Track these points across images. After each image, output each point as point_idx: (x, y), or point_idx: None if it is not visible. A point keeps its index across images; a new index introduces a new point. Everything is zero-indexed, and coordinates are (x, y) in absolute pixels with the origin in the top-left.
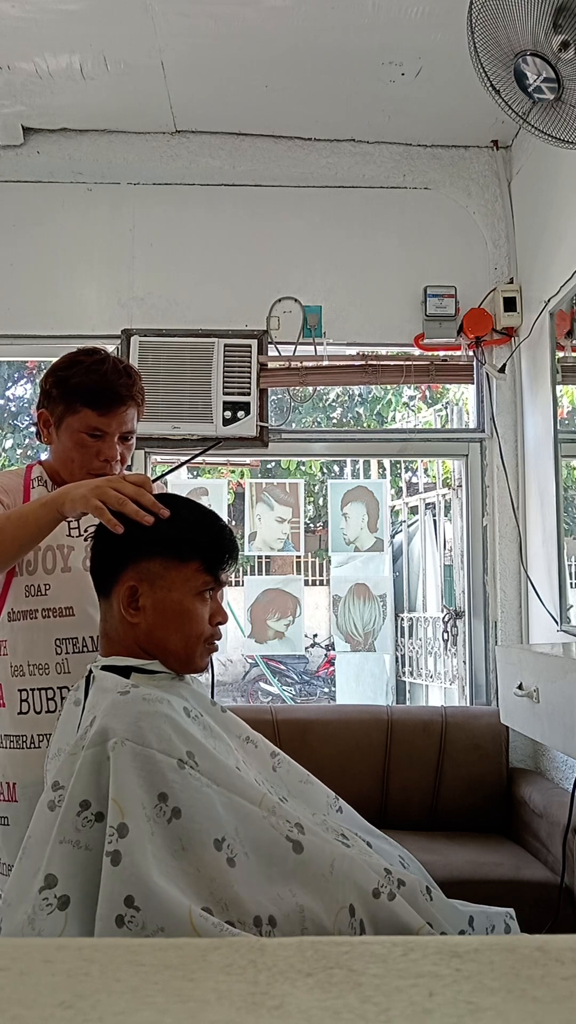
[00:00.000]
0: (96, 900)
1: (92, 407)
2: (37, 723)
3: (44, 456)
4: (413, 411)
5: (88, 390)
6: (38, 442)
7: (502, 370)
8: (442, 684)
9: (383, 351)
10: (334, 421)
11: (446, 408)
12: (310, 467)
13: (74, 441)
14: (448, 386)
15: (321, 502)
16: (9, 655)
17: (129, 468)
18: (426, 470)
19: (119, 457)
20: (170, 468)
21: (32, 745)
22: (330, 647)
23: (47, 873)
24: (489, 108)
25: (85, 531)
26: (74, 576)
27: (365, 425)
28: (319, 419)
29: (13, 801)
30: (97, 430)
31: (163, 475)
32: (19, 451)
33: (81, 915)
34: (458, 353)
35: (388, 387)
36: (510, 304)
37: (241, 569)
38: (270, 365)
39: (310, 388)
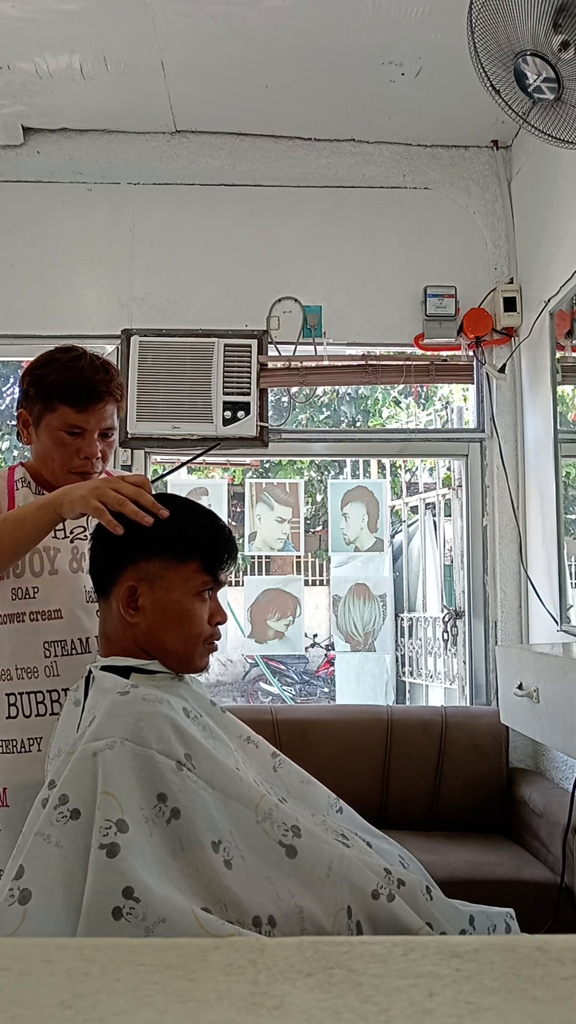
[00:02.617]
0: (60, 899)
1: (70, 404)
2: (26, 727)
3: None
4: (402, 409)
5: (65, 387)
6: (19, 443)
7: (502, 370)
8: (442, 684)
9: (381, 351)
10: (323, 417)
11: (446, 408)
12: (302, 464)
13: (54, 439)
14: (438, 385)
15: (320, 499)
16: None
17: (129, 468)
18: (420, 471)
19: (100, 454)
20: (170, 469)
21: (23, 749)
22: (330, 647)
23: (19, 864)
24: (489, 108)
25: (71, 532)
26: (62, 578)
27: (352, 424)
28: (313, 417)
29: (4, 806)
30: (76, 427)
31: (163, 475)
32: (16, 452)
33: (41, 911)
34: (458, 353)
35: (375, 387)
36: (510, 304)
37: (241, 569)
38: (270, 365)
39: (309, 388)
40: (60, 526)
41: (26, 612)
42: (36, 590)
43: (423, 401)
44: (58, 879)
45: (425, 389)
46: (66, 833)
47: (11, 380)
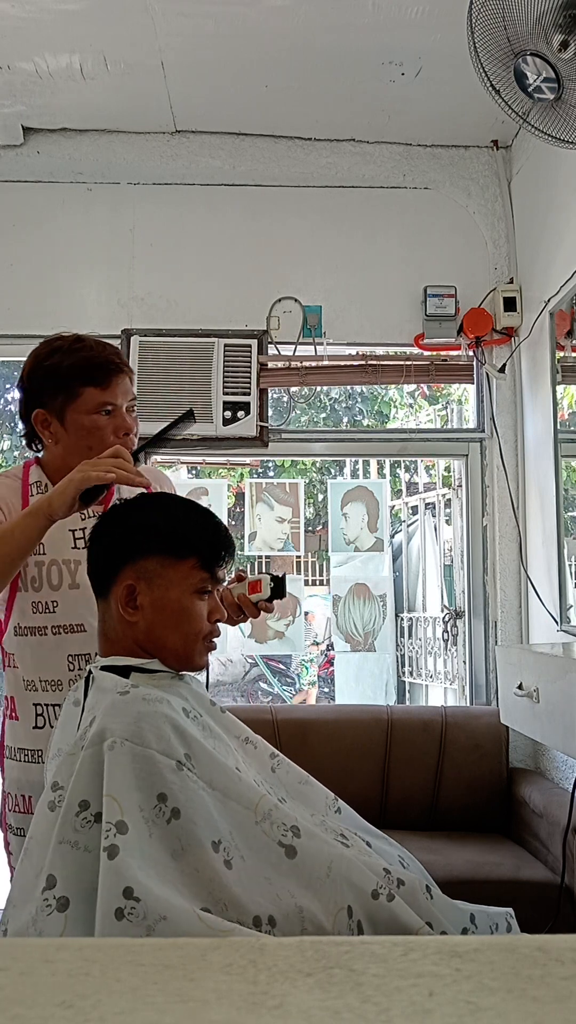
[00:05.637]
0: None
1: (94, 384)
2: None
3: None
4: (414, 409)
5: (83, 369)
6: (31, 451)
7: (502, 370)
8: (442, 684)
9: (381, 351)
10: (323, 416)
11: (447, 408)
12: (304, 465)
13: (88, 426)
14: (447, 384)
15: (321, 499)
16: (20, 668)
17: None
18: (429, 469)
19: (134, 429)
20: (144, 444)
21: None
22: (330, 647)
23: (48, 874)
24: (489, 108)
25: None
26: (83, 592)
27: (365, 423)
28: (316, 419)
29: (29, 813)
30: (106, 405)
31: (140, 450)
32: (16, 452)
33: (81, 916)
34: (458, 353)
35: (390, 386)
36: (510, 304)
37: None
38: (270, 365)
39: (311, 389)
40: (80, 535)
41: (48, 626)
42: (56, 604)
43: (431, 399)
44: (92, 884)
45: (432, 388)
46: (93, 837)
47: (9, 382)
